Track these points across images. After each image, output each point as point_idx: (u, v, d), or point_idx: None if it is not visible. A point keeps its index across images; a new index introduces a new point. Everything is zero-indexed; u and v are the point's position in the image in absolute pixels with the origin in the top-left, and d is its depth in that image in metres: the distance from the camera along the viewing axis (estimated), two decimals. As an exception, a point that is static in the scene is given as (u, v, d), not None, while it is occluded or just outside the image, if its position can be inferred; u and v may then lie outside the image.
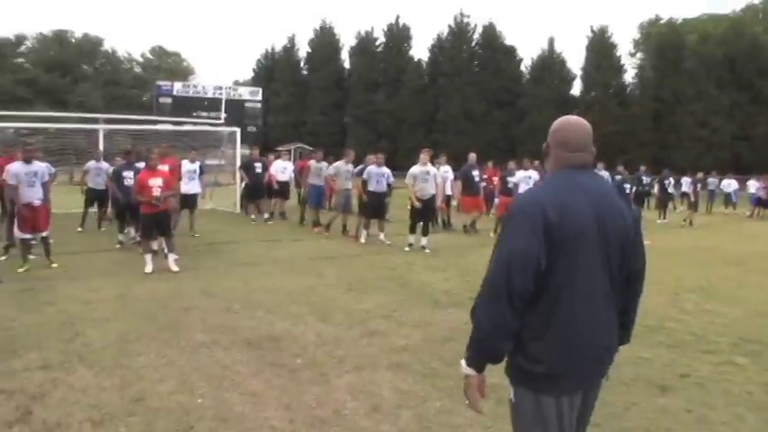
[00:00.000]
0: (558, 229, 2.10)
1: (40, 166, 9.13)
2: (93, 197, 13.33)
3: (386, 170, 12.66)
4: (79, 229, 12.97)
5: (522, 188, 13.01)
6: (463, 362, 2.28)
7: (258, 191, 15.75)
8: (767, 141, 41.36)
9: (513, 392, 2.33)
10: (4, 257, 9.56)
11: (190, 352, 5.37)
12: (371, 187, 12.37)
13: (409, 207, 11.95)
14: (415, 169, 11.74)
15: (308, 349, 5.56)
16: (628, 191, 17.18)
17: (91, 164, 13.54)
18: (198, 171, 13.48)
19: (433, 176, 11.83)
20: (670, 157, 39.91)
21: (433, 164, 12.51)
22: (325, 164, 14.43)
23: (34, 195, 8.88)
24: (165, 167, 9.81)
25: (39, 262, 9.21)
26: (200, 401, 4.36)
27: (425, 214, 11.72)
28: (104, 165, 13.60)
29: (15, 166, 8.90)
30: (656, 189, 20.58)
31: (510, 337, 2.18)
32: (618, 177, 17.34)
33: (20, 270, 8.71)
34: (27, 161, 8.94)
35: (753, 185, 24.02)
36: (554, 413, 2.22)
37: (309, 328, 6.22)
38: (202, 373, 4.90)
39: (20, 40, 61.74)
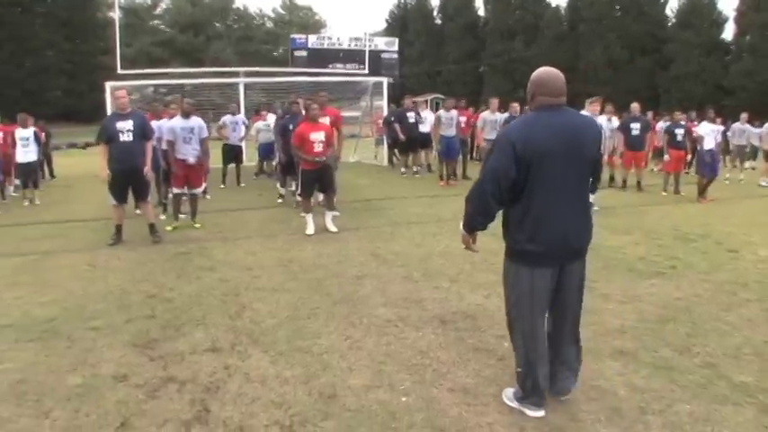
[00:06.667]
0: (522, 153, 2.97)
1: (198, 122, 8.67)
2: (231, 153, 13.28)
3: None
4: (222, 186, 12.71)
5: (708, 143, 11.28)
6: (461, 224, 3.29)
7: (412, 142, 14.86)
8: None
9: (504, 262, 3.31)
10: (163, 216, 9.24)
11: (376, 333, 4.48)
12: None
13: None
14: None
15: (513, 330, 4.55)
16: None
17: (227, 118, 13.41)
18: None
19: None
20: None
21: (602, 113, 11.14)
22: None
23: (189, 152, 8.46)
24: (326, 119, 8.88)
25: (187, 222, 8.81)
26: (405, 400, 3.47)
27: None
28: (240, 118, 13.66)
29: (173, 122, 8.56)
30: None
31: (488, 219, 3.17)
32: None
33: (167, 228, 8.37)
34: (186, 116, 8.55)
35: None
36: (528, 280, 3.13)
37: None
38: (397, 360, 3.99)
39: (155, 2, 64.17)
